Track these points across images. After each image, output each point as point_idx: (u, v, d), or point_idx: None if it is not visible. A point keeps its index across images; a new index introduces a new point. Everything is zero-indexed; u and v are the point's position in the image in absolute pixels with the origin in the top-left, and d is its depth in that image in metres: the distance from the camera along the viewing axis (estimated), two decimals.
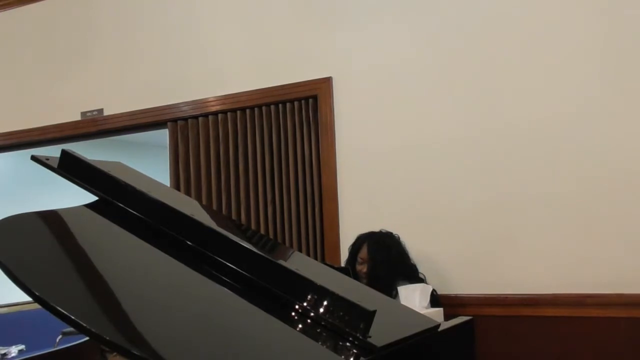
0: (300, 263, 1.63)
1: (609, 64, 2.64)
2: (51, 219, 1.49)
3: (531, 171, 2.75)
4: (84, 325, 1.02)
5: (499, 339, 2.71)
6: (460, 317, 1.67)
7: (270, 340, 1.22)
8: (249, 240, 1.77)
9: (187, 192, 3.48)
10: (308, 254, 3.16)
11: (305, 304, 1.26)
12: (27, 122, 4.05)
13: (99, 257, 1.39)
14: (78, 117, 3.91)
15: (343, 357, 1.18)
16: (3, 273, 1.14)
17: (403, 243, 2.81)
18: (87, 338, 1.77)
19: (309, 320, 1.25)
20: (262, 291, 1.30)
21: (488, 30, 2.88)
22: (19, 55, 4.18)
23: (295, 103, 3.29)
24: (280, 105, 3.32)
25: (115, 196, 1.51)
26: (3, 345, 3.24)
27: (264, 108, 3.35)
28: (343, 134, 3.15)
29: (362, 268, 2.73)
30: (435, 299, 2.62)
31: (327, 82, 3.19)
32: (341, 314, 1.21)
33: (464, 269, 2.85)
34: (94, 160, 1.58)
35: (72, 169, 1.55)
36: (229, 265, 1.35)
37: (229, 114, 3.44)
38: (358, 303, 1.21)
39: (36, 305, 1.11)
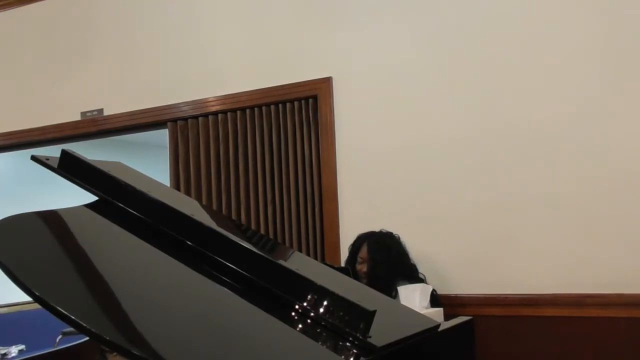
0: (300, 263, 1.63)
1: (609, 64, 2.64)
2: (51, 219, 1.49)
3: (531, 171, 2.75)
4: (84, 325, 1.02)
5: (499, 339, 2.71)
6: (460, 317, 1.67)
7: (270, 340, 1.22)
8: (249, 240, 1.77)
9: (187, 192, 3.48)
10: (308, 254, 3.16)
11: (305, 304, 1.26)
12: (27, 122, 4.05)
13: (99, 257, 1.39)
14: (78, 117, 3.91)
15: (343, 357, 1.18)
16: (3, 273, 1.14)
17: (403, 243, 2.81)
18: (87, 338, 1.77)
19: (309, 320, 1.25)
20: (262, 291, 1.30)
21: (488, 30, 2.88)
22: (19, 55, 4.18)
23: (295, 103, 3.29)
24: (280, 105, 3.32)
25: (115, 196, 1.51)
26: (3, 345, 3.24)
27: (264, 108, 3.35)
28: (343, 134, 3.15)
29: (362, 267, 2.73)
30: (435, 299, 2.62)
31: (327, 82, 3.19)
32: (341, 314, 1.21)
33: (464, 269, 2.85)
34: (94, 160, 1.58)
35: (72, 169, 1.55)
36: (229, 265, 1.35)
37: (229, 114, 3.44)
38: (358, 303, 1.21)
39: (36, 305, 1.11)
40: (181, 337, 1.11)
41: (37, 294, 1.09)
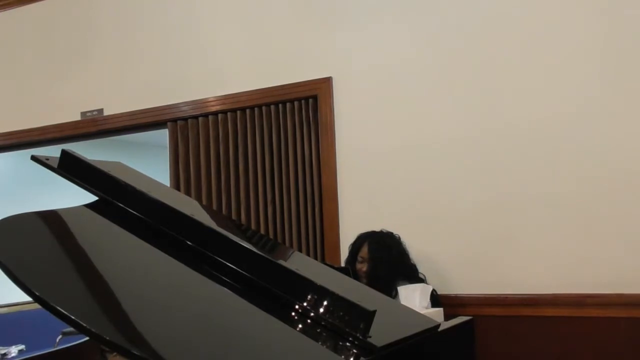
0: (300, 263, 1.63)
1: (609, 64, 2.64)
2: (51, 219, 1.49)
3: (531, 171, 2.75)
4: (84, 325, 1.02)
5: (499, 339, 2.71)
6: (460, 317, 1.67)
7: (270, 340, 1.22)
8: (249, 240, 1.77)
9: (187, 192, 3.48)
10: (308, 254, 3.16)
11: (305, 304, 1.26)
12: (27, 122, 4.05)
13: (99, 257, 1.39)
14: (78, 117, 3.91)
15: (343, 357, 1.18)
16: (3, 273, 1.14)
17: (403, 243, 2.81)
18: (87, 338, 1.77)
19: (309, 320, 1.25)
20: (262, 291, 1.30)
21: (488, 30, 2.88)
22: (19, 55, 4.18)
23: (295, 103, 3.29)
24: (280, 105, 3.32)
25: (115, 196, 1.51)
26: (3, 345, 3.24)
27: (264, 108, 3.35)
28: (343, 134, 3.15)
29: (362, 267, 2.73)
30: (435, 299, 2.62)
31: (327, 82, 3.19)
32: (341, 314, 1.21)
33: (464, 269, 2.85)
34: (94, 160, 1.58)
35: (72, 169, 1.55)
36: (229, 265, 1.35)
37: (229, 114, 3.44)
38: (358, 303, 1.21)
39: (36, 305, 1.11)
40: (181, 337, 1.11)
41: (37, 294, 1.09)
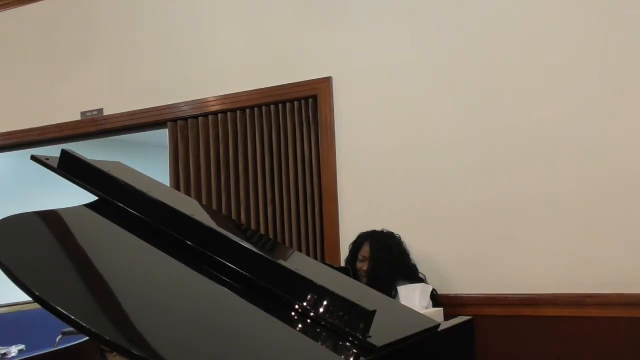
0: (300, 263, 1.63)
1: (609, 64, 2.64)
2: (51, 219, 1.49)
3: (531, 171, 2.75)
4: (84, 325, 1.02)
5: (499, 339, 2.71)
6: (460, 317, 1.67)
7: (270, 340, 1.22)
8: (249, 240, 1.77)
9: (187, 192, 3.48)
10: (308, 254, 3.16)
11: (305, 304, 1.26)
12: (27, 122, 4.05)
13: (99, 257, 1.39)
14: (78, 117, 3.91)
15: (343, 357, 1.18)
16: (3, 273, 1.14)
17: (404, 243, 2.81)
18: (87, 338, 1.77)
19: (309, 320, 1.25)
20: (262, 291, 1.30)
21: (488, 30, 2.88)
22: (19, 55, 4.18)
23: (295, 103, 3.29)
24: (280, 105, 3.32)
25: (115, 196, 1.51)
26: (3, 345, 3.24)
27: (264, 108, 3.35)
28: (343, 134, 3.15)
29: (363, 266, 2.73)
30: (435, 299, 2.62)
31: (327, 82, 3.19)
32: (341, 314, 1.21)
33: (464, 269, 2.85)
34: (94, 160, 1.58)
35: (72, 169, 1.55)
36: (229, 265, 1.35)
37: (229, 114, 3.44)
38: (358, 303, 1.21)
39: (36, 305, 1.11)
40: (181, 337, 1.11)
41: (37, 294, 1.09)
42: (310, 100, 3.25)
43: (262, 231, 3.28)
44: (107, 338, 1.02)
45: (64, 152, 1.58)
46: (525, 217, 2.74)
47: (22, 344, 3.28)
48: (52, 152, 1.71)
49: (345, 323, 1.20)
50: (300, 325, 1.26)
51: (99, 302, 1.19)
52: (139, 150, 6.62)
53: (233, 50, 3.48)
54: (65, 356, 2.22)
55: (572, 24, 2.72)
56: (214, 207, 3.39)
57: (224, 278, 1.34)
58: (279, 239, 3.26)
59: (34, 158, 1.60)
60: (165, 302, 1.24)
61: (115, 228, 1.48)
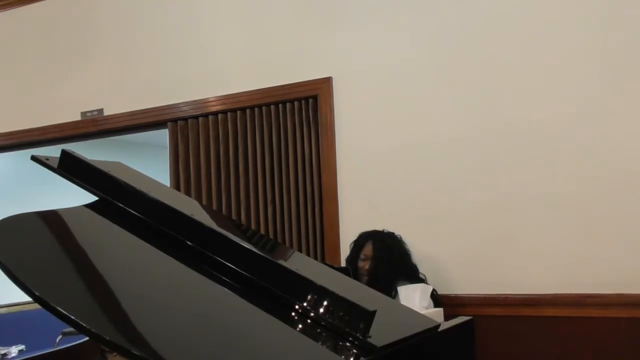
0: (300, 263, 1.63)
1: (609, 64, 2.64)
2: (51, 219, 1.49)
3: (531, 171, 2.75)
4: (84, 325, 1.02)
5: (499, 339, 2.71)
6: (460, 317, 1.67)
7: (270, 340, 1.22)
8: (249, 240, 1.77)
9: (187, 192, 3.48)
10: (308, 254, 3.16)
11: (305, 304, 1.26)
12: (27, 122, 4.05)
13: (99, 257, 1.39)
14: (78, 117, 3.91)
15: (343, 357, 1.18)
16: (3, 273, 1.14)
17: (405, 244, 2.81)
18: (87, 338, 1.77)
19: (309, 320, 1.25)
20: (262, 291, 1.30)
21: (488, 30, 2.88)
22: (19, 55, 4.18)
23: (295, 103, 3.29)
24: (280, 105, 3.32)
25: (115, 196, 1.51)
26: (3, 345, 3.24)
27: (264, 108, 3.35)
28: (343, 134, 3.15)
29: (365, 265, 2.73)
30: (435, 299, 2.62)
31: (327, 82, 3.19)
32: (341, 314, 1.21)
33: (464, 269, 2.85)
34: (94, 160, 1.58)
35: (72, 169, 1.55)
36: (229, 265, 1.35)
37: (229, 114, 3.44)
38: (358, 303, 1.21)
39: (36, 305, 1.11)
40: (181, 337, 1.11)
41: (37, 294, 1.09)
42: (310, 100, 3.25)
43: (262, 231, 3.28)
44: (107, 338, 1.02)
45: (64, 152, 1.57)
46: (525, 217, 2.74)
47: (22, 344, 3.28)
48: (52, 152, 1.71)
49: (345, 323, 1.20)
50: (300, 325, 1.26)
51: (99, 302, 1.18)
52: (139, 150, 6.62)
53: (233, 50, 3.48)
54: (65, 356, 2.22)
55: (572, 24, 2.72)
56: (214, 207, 3.39)
57: (224, 278, 1.34)
58: (279, 239, 3.26)
59: (34, 158, 1.60)
60: (165, 302, 1.24)
61: (115, 228, 1.48)
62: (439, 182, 2.92)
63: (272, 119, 3.33)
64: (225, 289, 1.34)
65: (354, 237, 2.86)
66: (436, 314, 2.21)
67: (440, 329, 1.48)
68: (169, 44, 3.67)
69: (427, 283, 2.71)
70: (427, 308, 2.48)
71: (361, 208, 3.09)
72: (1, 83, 4.22)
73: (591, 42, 2.68)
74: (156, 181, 1.76)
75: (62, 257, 1.34)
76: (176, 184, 3.55)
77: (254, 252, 1.39)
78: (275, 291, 1.29)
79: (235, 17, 3.49)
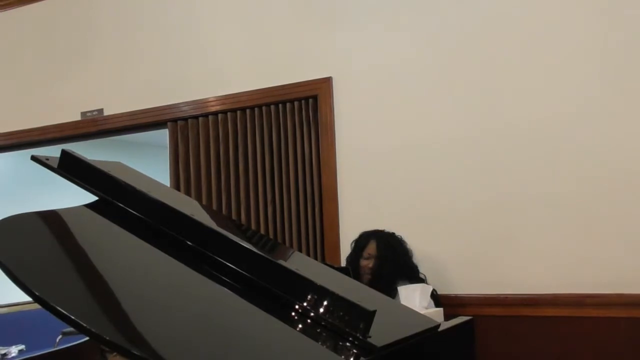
0: (300, 263, 1.63)
1: (609, 64, 2.64)
2: (51, 219, 1.49)
3: (531, 171, 2.75)
4: (84, 325, 1.02)
5: (499, 339, 2.71)
6: (460, 317, 1.67)
7: (270, 340, 1.22)
8: (249, 240, 1.77)
9: (187, 192, 3.48)
10: (308, 254, 3.16)
11: (305, 304, 1.26)
12: (27, 122, 4.05)
13: (99, 257, 1.39)
14: (78, 117, 3.91)
15: (343, 357, 1.18)
16: (3, 273, 1.14)
17: (406, 244, 2.81)
18: (87, 338, 1.77)
19: (309, 320, 1.25)
20: (262, 291, 1.30)
21: (488, 30, 2.88)
22: (19, 55, 4.18)
23: (295, 103, 3.29)
24: (280, 105, 3.32)
25: (115, 196, 1.51)
26: (3, 345, 3.24)
27: (264, 108, 3.35)
28: (343, 134, 3.15)
29: (368, 264, 2.73)
30: (435, 299, 2.62)
31: (327, 82, 3.19)
32: (341, 314, 1.21)
33: (464, 269, 2.85)
34: (94, 160, 1.58)
35: (72, 169, 1.55)
36: (229, 265, 1.35)
37: (229, 114, 3.44)
38: (358, 303, 1.21)
39: (36, 305, 1.11)
40: (181, 337, 1.11)
41: (37, 294, 1.09)
42: (310, 100, 3.25)
43: (262, 231, 3.28)
44: (107, 338, 1.02)
45: (64, 152, 1.58)
46: (525, 217, 2.74)
47: (22, 344, 3.28)
48: (52, 152, 1.71)
49: (345, 323, 1.20)
50: (300, 325, 1.26)
51: (99, 302, 1.19)
52: (139, 150, 6.62)
53: (233, 50, 3.48)
54: (65, 356, 2.22)
55: (572, 24, 2.72)
56: (214, 207, 3.39)
57: (224, 278, 1.34)
58: (279, 239, 3.26)
59: (34, 158, 1.60)
60: (165, 302, 1.24)
61: (115, 228, 1.48)
62: (439, 182, 2.92)
63: (272, 119, 3.33)
64: (225, 289, 1.34)
65: (354, 237, 2.86)
66: (436, 314, 2.21)
67: (440, 329, 1.48)
68: (169, 44, 3.67)
69: (426, 283, 2.71)
70: (427, 308, 2.48)
71: (361, 208, 3.09)
72: (1, 83, 4.22)
73: (591, 42, 2.68)
74: (156, 181, 1.76)
75: (62, 257, 1.34)
76: (176, 184, 3.55)
77: (254, 252, 1.39)
78: (275, 291, 1.29)
79: (235, 17, 3.49)
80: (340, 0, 3.21)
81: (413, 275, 2.73)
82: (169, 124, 3.61)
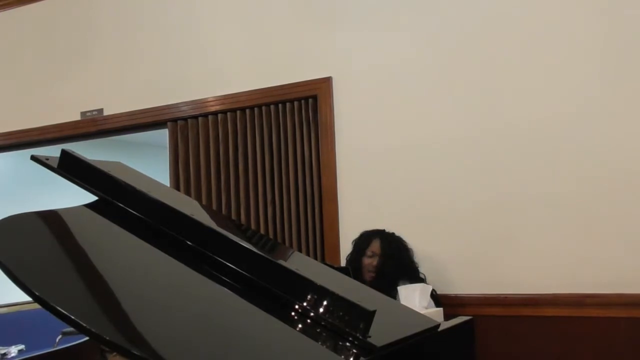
0: (300, 263, 1.63)
1: (609, 64, 2.64)
2: (51, 219, 1.49)
3: (531, 171, 2.75)
4: (84, 325, 1.02)
5: (499, 339, 2.71)
6: (460, 317, 1.67)
7: (270, 340, 1.22)
8: (249, 240, 1.77)
9: (187, 192, 3.48)
10: (308, 255, 3.16)
11: (305, 304, 1.26)
12: (27, 122, 4.05)
13: (99, 257, 1.39)
14: (78, 117, 3.91)
15: (343, 357, 1.18)
16: (3, 273, 1.14)
17: (407, 243, 2.81)
18: (87, 338, 1.77)
19: (309, 320, 1.25)
20: (262, 291, 1.30)
21: (488, 30, 2.88)
22: (19, 55, 4.18)
23: (295, 103, 3.29)
24: (280, 105, 3.32)
25: (115, 196, 1.51)
26: (3, 345, 3.24)
27: (264, 108, 3.35)
28: (343, 134, 3.15)
29: (373, 261, 2.73)
30: (435, 299, 2.62)
31: (327, 82, 3.19)
32: (341, 314, 1.21)
33: (464, 269, 2.85)
34: (94, 160, 1.58)
35: (72, 169, 1.55)
36: (229, 265, 1.35)
37: (228, 114, 3.44)
38: (358, 303, 1.21)
39: (36, 305, 1.11)
40: (181, 337, 1.10)
41: (37, 294, 1.08)
42: (310, 100, 3.25)
43: (262, 231, 3.27)
44: (107, 338, 1.02)
45: (63, 152, 1.57)
46: (525, 217, 2.74)
47: (22, 344, 3.28)
48: (52, 152, 1.71)
49: (345, 323, 1.20)
50: (300, 325, 1.26)
51: (99, 302, 1.18)
52: (138, 150, 6.62)
53: (233, 50, 3.48)
54: (65, 356, 2.22)
55: (572, 24, 2.72)
56: (214, 207, 3.39)
57: (224, 278, 1.34)
58: (279, 240, 3.26)
59: (34, 158, 1.60)
60: (165, 302, 1.24)
61: (115, 228, 1.48)
62: (439, 182, 2.92)
63: (271, 119, 3.33)
64: (225, 289, 1.34)
65: (354, 237, 2.86)
66: (436, 313, 2.21)
67: (440, 328, 1.48)
68: (169, 44, 3.67)
69: (426, 283, 2.71)
70: (426, 308, 2.48)
71: (361, 208, 3.09)
72: (1, 83, 4.22)
73: (591, 42, 2.68)
74: (156, 181, 1.76)
75: (62, 257, 1.34)
76: (176, 184, 3.55)
77: (254, 252, 1.39)
78: (275, 291, 1.29)
79: (235, 17, 3.49)
80: (340, 0, 3.21)
81: (413, 275, 2.73)
82: (168, 124, 3.61)
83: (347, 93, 3.16)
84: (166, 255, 1.43)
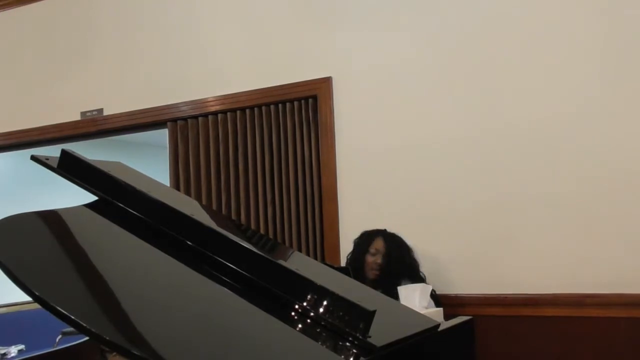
0: (300, 263, 1.63)
1: (609, 64, 2.64)
2: (51, 219, 1.49)
3: (531, 171, 2.75)
4: (84, 325, 1.02)
5: (499, 339, 2.71)
6: (460, 317, 1.67)
7: (270, 340, 1.22)
8: (249, 240, 1.77)
9: (187, 192, 3.48)
10: (308, 255, 3.16)
11: (305, 304, 1.25)
12: (27, 122, 4.05)
13: (99, 257, 1.39)
14: (78, 117, 3.91)
15: (343, 357, 1.18)
16: (3, 273, 1.14)
17: (408, 244, 2.81)
18: (87, 338, 1.77)
19: (309, 320, 1.25)
20: (262, 291, 1.30)
21: (488, 30, 2.88)
22: (19, 55, 4.18)
23: (295, 103, 3.29)
24: (280, 105, 3.32)
25: (115, 196, 1.51)
26: (3, 345, 3.24)
27: (263, 108, 3.35)
28: (343, 134, 3.15)
29: (376, 259, 2.72)
30: (435, 299, 2.62)
31: (327, 82, 3.19)
32: (341, 314, 1.21)
33: (464, 269, 2.85)
34: (94, 160, 1.58)
35: (72, 169, 1.55)
36: (229, 265, 1.35)
37: (228, 114, 3.44)
38: (358, 303, 1.21)
39: (36, 305, 1.11)
40: (181, 337, 1.10)
41: (37, 294, 1.08)
42: (310, 100, 3.25)
43: (262, 231, 3.27)
44: (107, 338, 1.02)
45: (63, 152, 1.57)
46: (525, 217, 2.74)
47: (22, 344, 3.28)
48: (52, 152, 1.71)
49: (345, 323, 1.20)
50: (300, 325, 1.26)
51: (99, 302, 1.18)
52: (138, 150, 6.62)
53: (233, 50, 3.48)
54: (65, 356, 2.22)
55: (572, 24, 2.72)
56: (214, 207, 3.39)
57: (224, 278, 1.34)
58: (279, 240, 3.26)
59: (34, 158, 1.60)
60: (165, 302, 1.24)
61: (115, 228, 1.48)
62: (439, 182, 2.92)
63: (271, 119, 3.33)
64: (225, 289, 1.34)
65: (354, 237, 2.86)
66: (436, 313, 2.21)
67: (440, 328, 1.48)
68: (169, 44, 3.67)
69: (426, 282, 2.71)
70: (426, 308, 2.48)
71: (361, 208, 3.09)
72: (1, 83, 4.22)
73: (591, 42, 2.68)
74: (156, 181, 1.76)
75: (62, 257, 1.34)
76: (176, 184, 3.55)
77: (254, 252, 1.39)
78: (275, 291, 1.29)
79: (235, 17, 3.49)
80: (340, 0, 3.21)
81: (414, 275, 2.73)
82: (168, 123, 3.61)
83: (347, 93, 3.16)
84: (166, 255, 1.43)
